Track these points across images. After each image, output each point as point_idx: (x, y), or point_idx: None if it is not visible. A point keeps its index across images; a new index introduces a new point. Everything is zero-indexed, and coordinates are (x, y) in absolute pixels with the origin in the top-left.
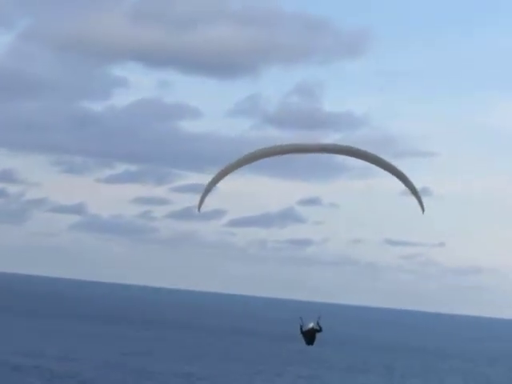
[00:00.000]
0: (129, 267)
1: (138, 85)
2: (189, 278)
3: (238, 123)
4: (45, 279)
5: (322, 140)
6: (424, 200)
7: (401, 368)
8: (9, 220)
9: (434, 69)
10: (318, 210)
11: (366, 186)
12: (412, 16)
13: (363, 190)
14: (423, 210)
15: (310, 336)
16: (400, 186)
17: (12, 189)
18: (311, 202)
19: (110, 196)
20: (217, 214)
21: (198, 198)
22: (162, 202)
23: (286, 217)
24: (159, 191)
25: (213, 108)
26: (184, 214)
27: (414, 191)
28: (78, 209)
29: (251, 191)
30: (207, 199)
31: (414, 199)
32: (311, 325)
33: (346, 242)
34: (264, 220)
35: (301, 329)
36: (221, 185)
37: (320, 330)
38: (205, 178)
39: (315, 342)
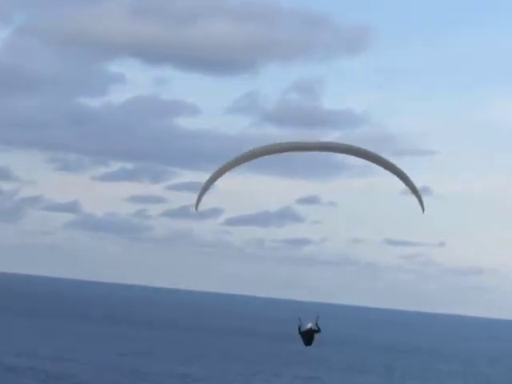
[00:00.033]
0: (124, 266)
1: (134, 81)
2: (185, 278)
3: (237, 121)
4: (39, 278)
5: (321, 138)
6: (424, 199)
7: (400, 368)
8: (3, 218)
9: (434, 66)
10: (317, 208)
11: (365, 185)
12: (412, 13)
13: (363, 189)
14: (423, 209)
15: (308, 336)
16: (400, 185)
17: (6, 186)
18: (310, 200)
19: (105, 194)
20: (214, 212)
21: (194, 196)
22: (157, 200)
23: (284, 216)
24: (155, 189)
25: (211, 105)
26: (180, 213)
27: (414, 190)
28: (72, 207)
29: (249, 190)
30: (204, 198)
31: (414, 198)
32: (309, 325)
33: (346, 242)
34: (262, 219)
35: (299, 329)
36: (219, 183)
37: (318, 331)
38: (201, 176)
39: (314, 343)
